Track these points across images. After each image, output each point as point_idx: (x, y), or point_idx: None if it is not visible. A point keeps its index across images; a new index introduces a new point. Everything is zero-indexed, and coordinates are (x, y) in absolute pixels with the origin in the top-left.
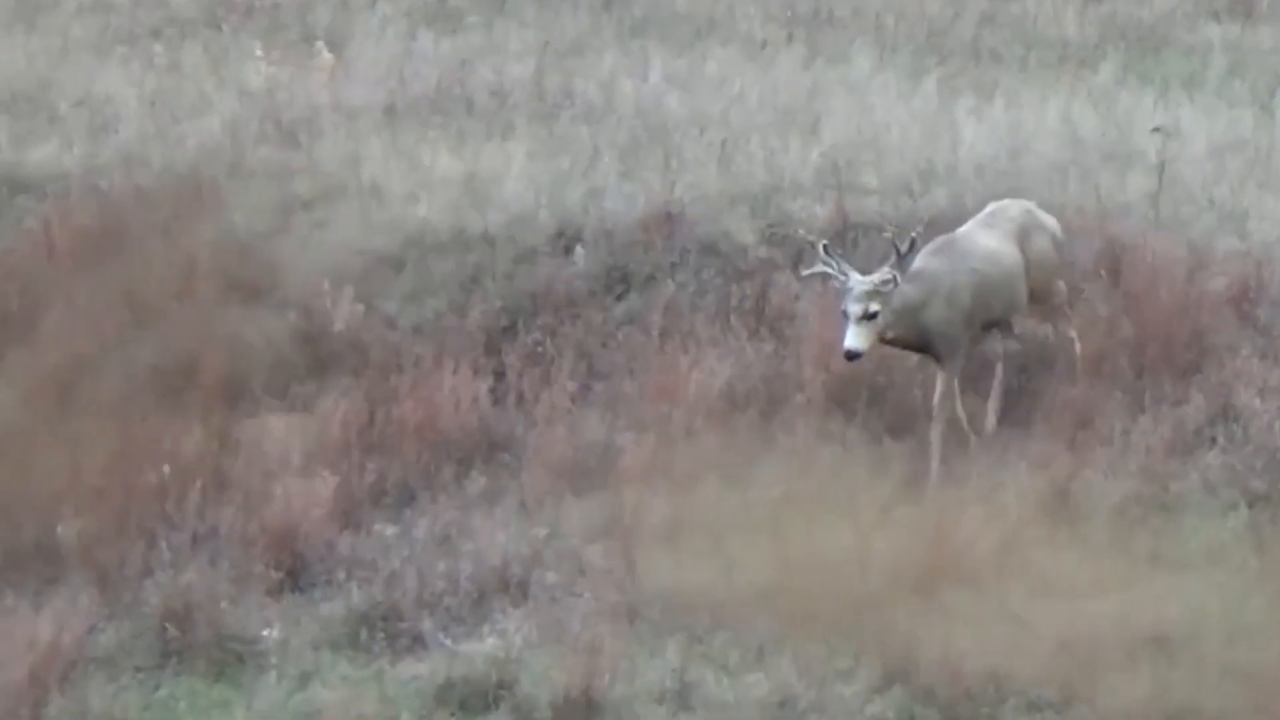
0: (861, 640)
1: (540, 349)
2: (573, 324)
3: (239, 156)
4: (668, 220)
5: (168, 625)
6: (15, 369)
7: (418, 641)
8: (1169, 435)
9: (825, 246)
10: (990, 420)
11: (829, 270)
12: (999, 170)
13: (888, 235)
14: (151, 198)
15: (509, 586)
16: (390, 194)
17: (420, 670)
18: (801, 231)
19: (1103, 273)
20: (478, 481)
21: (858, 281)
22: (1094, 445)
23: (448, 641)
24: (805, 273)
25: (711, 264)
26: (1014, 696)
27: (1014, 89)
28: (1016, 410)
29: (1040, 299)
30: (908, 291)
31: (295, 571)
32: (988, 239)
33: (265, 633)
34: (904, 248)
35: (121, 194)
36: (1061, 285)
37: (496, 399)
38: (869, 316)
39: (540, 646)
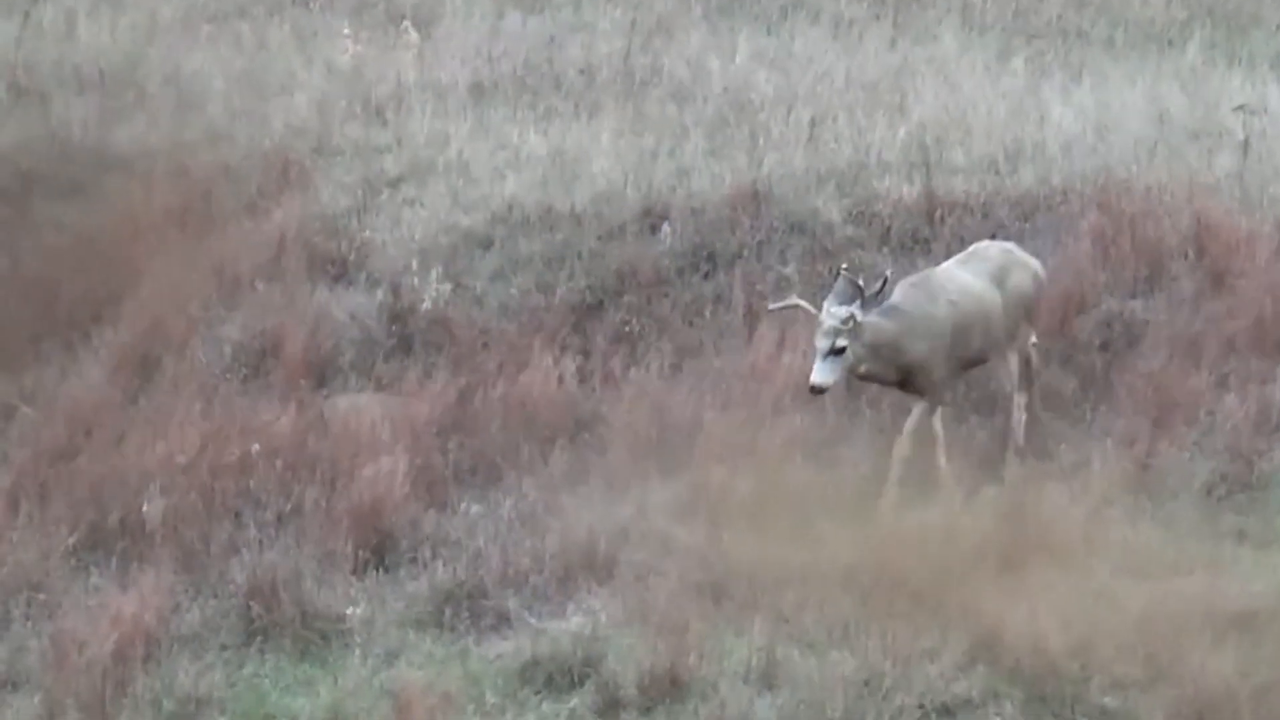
0: (947, 618)
1: (627, 327)
2: (659, 302)
3: (326, 134)
4: (754, 198)
5: (253, 603)
6: (102, 347)
7: (503, 620)
8: (1255, 413)
9: (844, 269)
10: (1012, 449)
11: (800, 305)
12: (1086, 148)
13: (847, 273)
14: (238, 176)
15: (595, 565)
16: (478, 172)
17: (505, 649)
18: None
19: (1189, 251)
20: (564, 460)
21: (827, 316)
22: (1179, 423)
23: (533, 620)
24: (773, 307)
25: (798, 242)
26: (1099, 674)
27: (1101, 68)
28: (1100, 388)
29: (1013, 336)
30: (882, 326)
31: (380, 550)
32: (964, 276)
33: (350, 611)
34: (874, 289)
35: (208, 172)
36: (1029, 330)
37: (583, 377)
38: (835, 352)
39: (626, 625)
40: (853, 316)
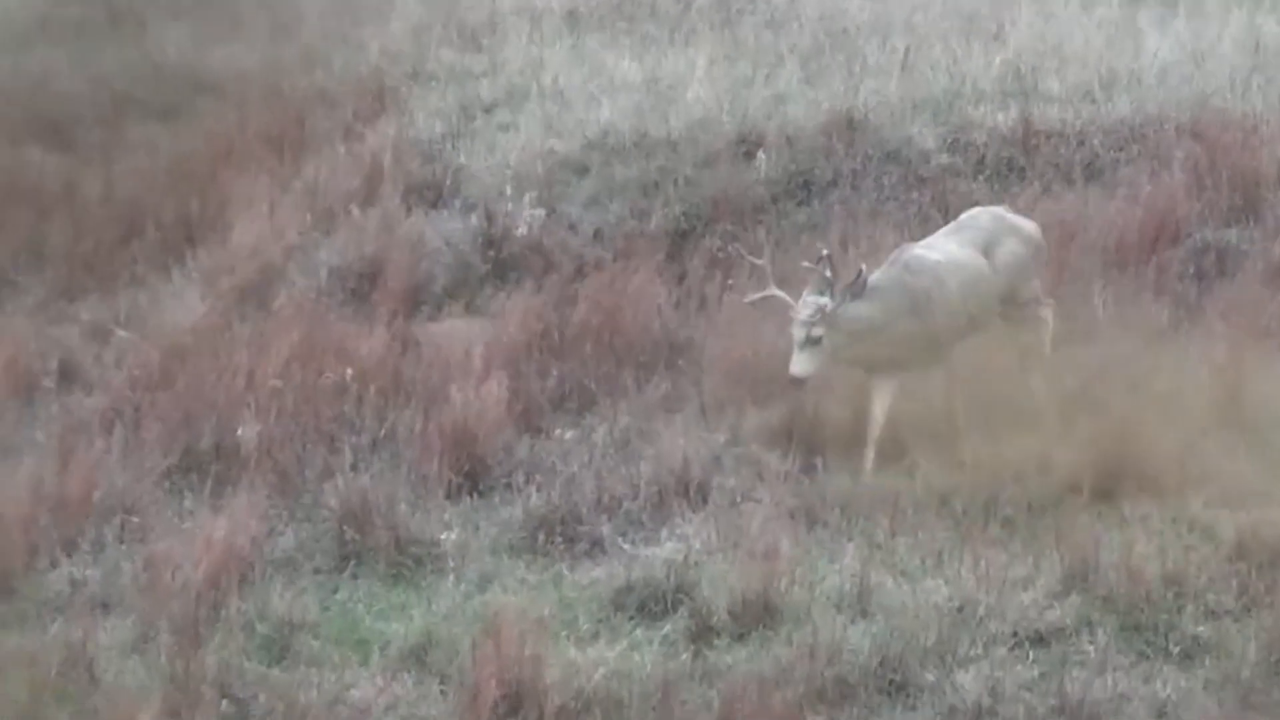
0: (1041, 545)
1: (721, 254)
2: (754, 229)
3: (421, 60)
4: (849, 126)
5: (346, 528)
6: (198, 271)
7: (596, 545)
8: None
9: (828, 256)
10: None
11: (777, 296)
12: (1181, 77)
13: (827, 261)
14: (334, 101)
15: (688, 491)
16: (573, 98)
17: (598, 574)
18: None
19: None
20: (658, 386)
21: (803, 306)
22: (1275, 351)
23: (626, 546)
24: (749, 299)
25: (893, 170)
26: (1193, 603)
27: None
28: (1193, 316)
29: (1012, 301)
30: (863, 311)
31: (474, 475)
32: (947, 246)
33: (444, 536)
34: (853, 279)
35: (304, 97)
36: (1035, 286)
37: (677, 304)
38: (812, 341)
39: (719, 551)
40: (821, 308)
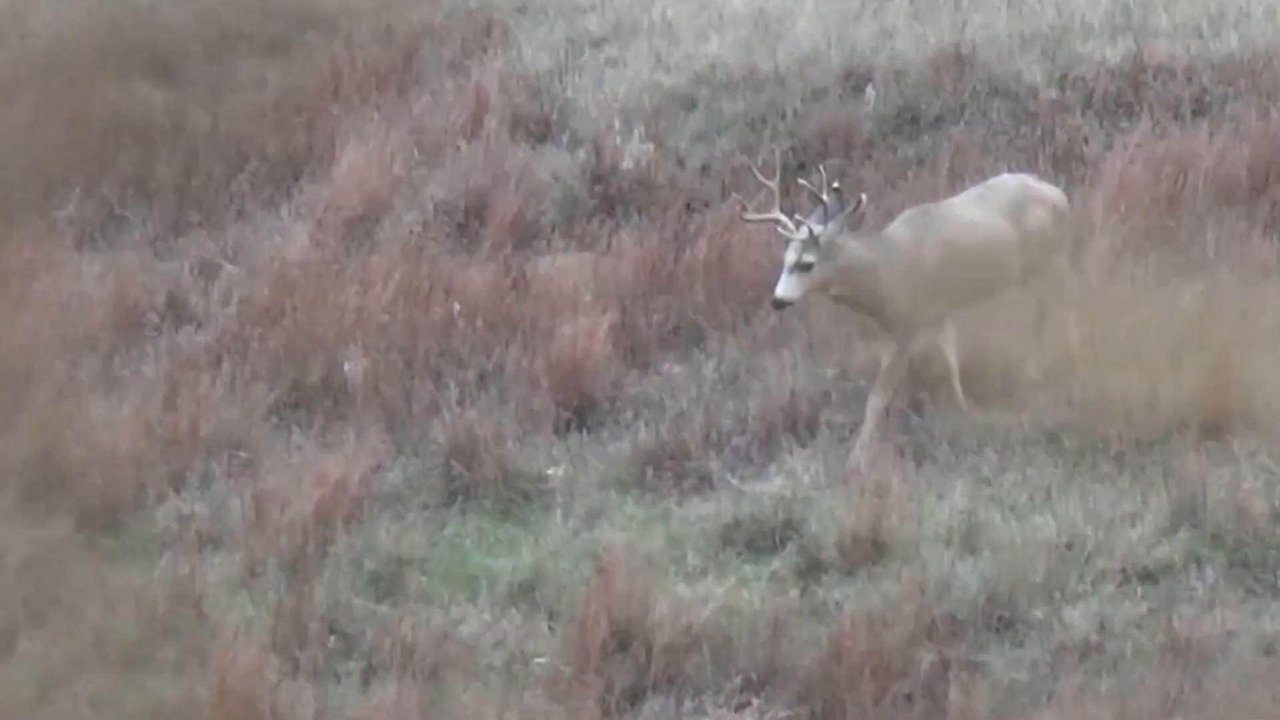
0: (1149, 482)
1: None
2: (862, 164)
3: None
4: (957, 61)
5: (454, 463)
6: (305, 206)
7: (705, 481)
8: None
9: (837, 189)
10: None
11: (779, 219)
12: None
13: (836, 191)
14: (441, 35)
15: (797, 426)
16: (680, 32)
17: (707, 510)
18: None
19: None
20: (766, 321)
21: (795, 230)
22: None
23: (735, 481)
24: (750, 218)
25: (1001, 105)
26: None
27: None
28: None
29: (1037, 272)
30: (861, 251)
31: (582, 410)
32: (972, 212)
33: (552, 471)
34: (845, 206)
35: (411, 31)
36: (1060, 260)
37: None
38: (802, 267)
39: (827, 487)
40: (813, 233)
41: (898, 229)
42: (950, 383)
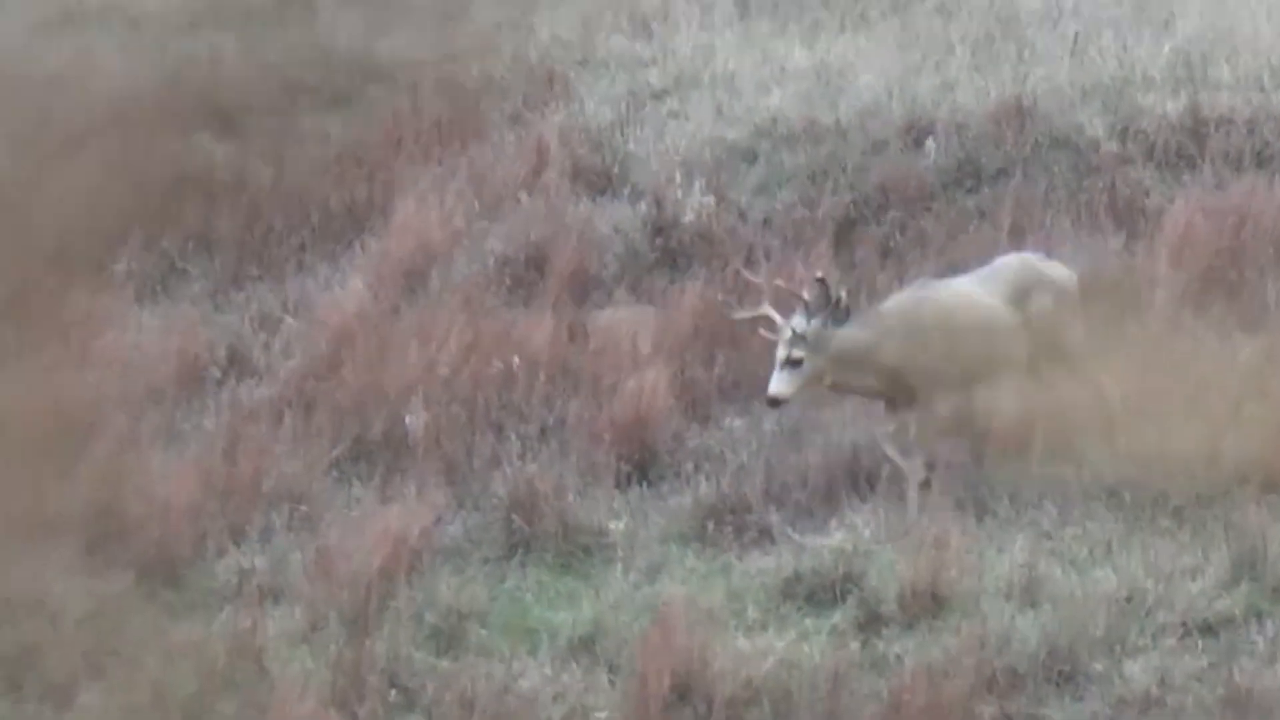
0: (1209, 536)
1: (891, 242)
2: (923, 217)
3: (591, 46)
4: (1019, 113)
5: (515, 517)
6: (365, 259)
7: (765, 535)
8: None
9: (822, 280)
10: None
11: (768, 315)
12: None
13: (821, 282)
14: (503, 87)
15: (857, 480)
16: (742, 85)
17: (767, 564)
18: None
19: None
20: None
21: (784, 327)
22: None
23: (795, 535)
24: (738, 316)
25: (1062, 158)
26: None
27: None
28: None
29: (1048, 356)
30: (856, 335)
31: (643, 463)
32: (971, 288)
33: (612, 525)
34: (836, 298)
35: (473, 83)
36: (1072, 338)
37: (848, 291)
38: (792, 363)
39: (887, 540)
40: (795, 330)
41: (895, 299)
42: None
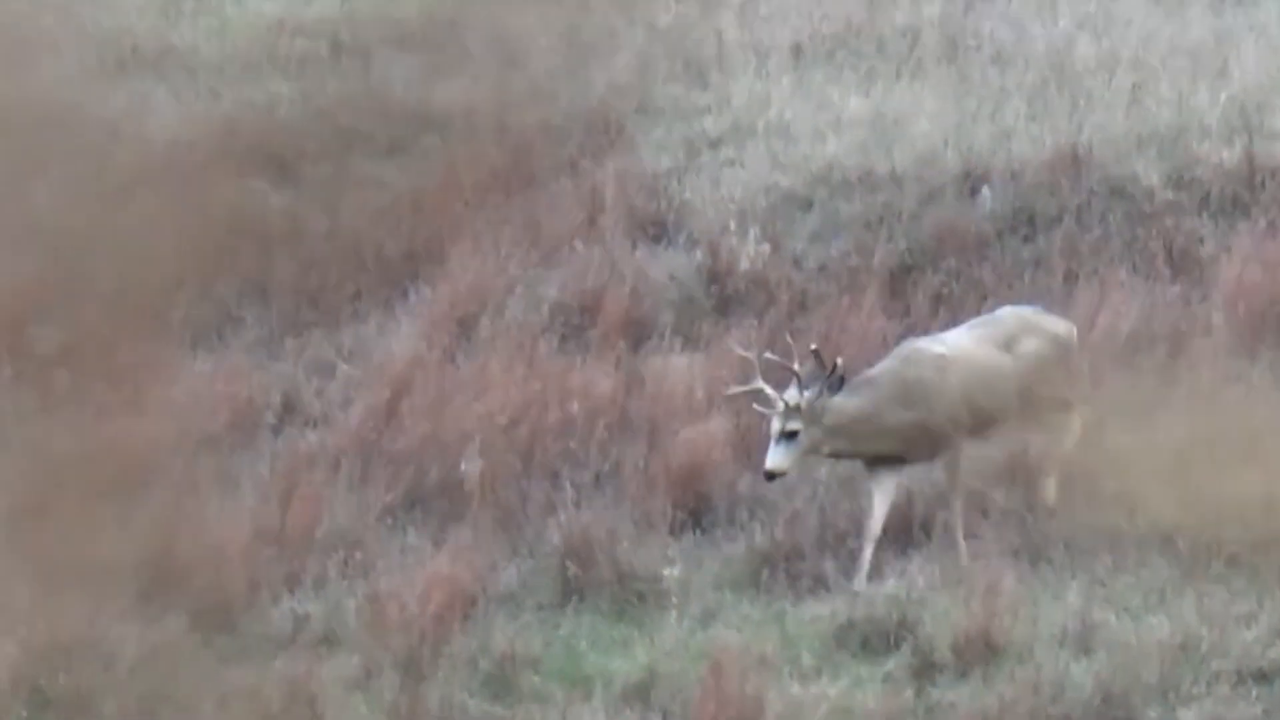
0: (1263, 583)
1: (946, 289)
2: (978, 265)
3: (647, 95)
4: (1074, 162)
5: (569, 563)
6: (420, 305)
7: (819, 582)
8: None
9: (816, 351)
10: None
11: (762, 390)
12: None
13: (815, 354)
14: (559, 135)
15: (911, 528)
16: (798, 133)
17: (821, 611)
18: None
19: None
20: None
21: (777, 401)
22: None
23: (849, 582)
24: (731, 391)
25: (1117, 206)
26: None
27: None
28: None
29: (1033, 401)
30: (852, 404)
31: (698, 511)
32: (959, 339)
33: (667, 572)
34: (831, 368)
35: (528, 131)
36: (1061, 388)
37: (901, 340)
38: (788, 436)
39: (942, 588)
40: (788, 403)
41: (885, 367)
42: (864, 539)
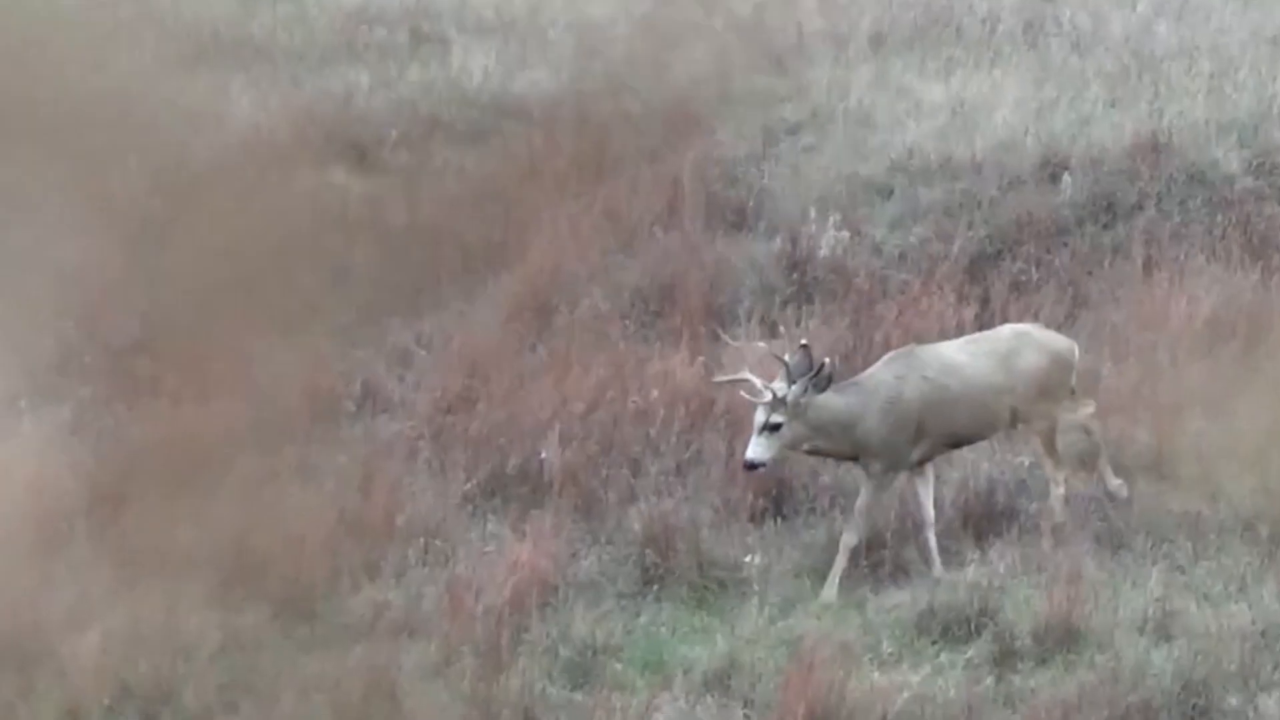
0: None
1: (1025, 277)
2: (1058, 252)
3: (727, 83)
4: (1154, 149)
5: (649, 552)
6: (500, 292)
7: (900, 569)
8: None
9: (805, 346)
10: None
11: (748, 380)
12: None
13: (805, 348)
14: (638, 124)
15: (992, 514)
16: (877, 120)
17: (902, 598)
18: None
19: None
20: None
21: (764, 393)
22: None
23: (931, 570)
24: (718, 380)
25: (1197, 193)
26: None
27: None
28: None
29: (1029, 420)
30: (836, 404)
31: (778, 498)
32: (958, 353)
33: (747, 560)
34: (819, 365)
35: (608, 120)
36: (1062, 404)
37: (981, 326)
38: (771, 428)
39: (1023, 575)
40: (775, 394)
41: (878, 370)
42: (838, 553)
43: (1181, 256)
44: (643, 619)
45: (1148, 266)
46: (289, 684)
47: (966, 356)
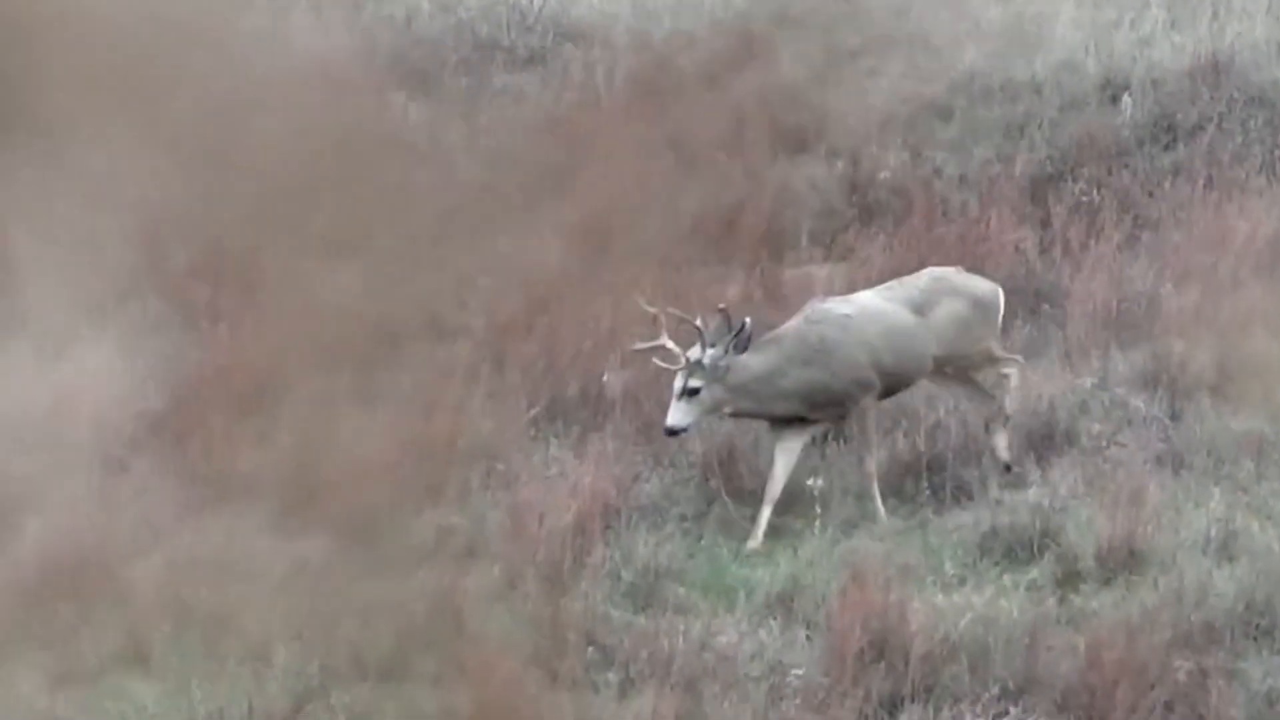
0: None
1: (1086, 199)
2: (1119, 173)
3: (787, 5)
4: (1215, 70)
5: (710, 475)
6: (561, 218)
7: (962, 491)
8: None
9: (724, 309)
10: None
11: (666, 347)
12: None
13: (723, 312)
14: (700, 47)
15: (1054, 436)
16: (938, 42)
17: (964, 520)
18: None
19: None
20: (1023, 330)
21: (679, 355)
22: None
23: (992, 491)
24: (637, 347)
25: (1258, 113)
26: None
27: None
28: None
29: (956, 362)
30: (755, 364)
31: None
32: (867, 299)
33: (810, 482)
34: (738, 327)
35: (669, 43)
36: (986, 348)
37: (1042, 248)
38: (690, 393)
39: (1085, 496)
40: (691, 359)
41: (789, 327)
42: (764, 499)
43: (1242, 177)
44: (704, 541)
45: (1208, 187)
46: (352, 609)
47: (882, 303)
